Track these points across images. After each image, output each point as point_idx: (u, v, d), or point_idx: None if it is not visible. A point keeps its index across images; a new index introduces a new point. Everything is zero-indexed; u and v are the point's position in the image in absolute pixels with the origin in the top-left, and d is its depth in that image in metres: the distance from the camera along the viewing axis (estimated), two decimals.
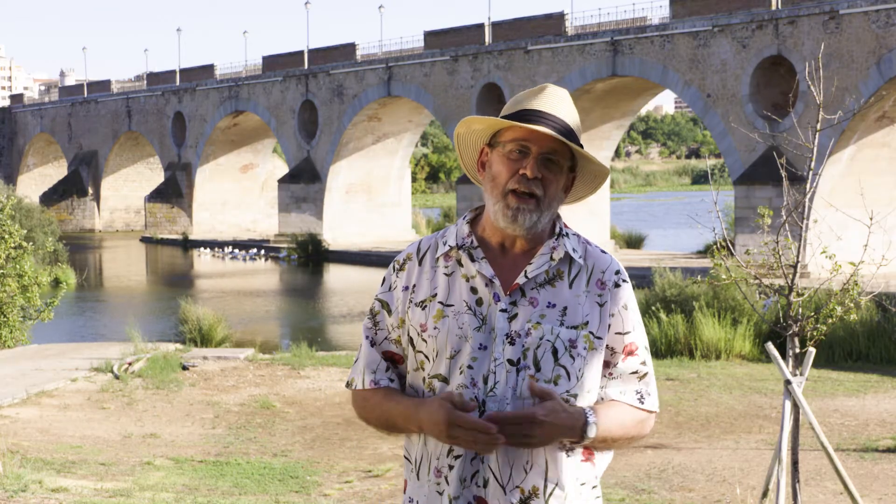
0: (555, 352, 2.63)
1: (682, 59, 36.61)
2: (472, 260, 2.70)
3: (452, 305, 2.68)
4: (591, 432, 2.61)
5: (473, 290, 2.68)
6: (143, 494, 8.27)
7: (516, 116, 2.68)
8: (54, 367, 14.47)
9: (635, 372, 2.73)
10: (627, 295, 2.72)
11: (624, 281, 2.73)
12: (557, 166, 2.68)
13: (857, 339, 16.17)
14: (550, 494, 2.62)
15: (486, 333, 2.64)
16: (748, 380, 14.18)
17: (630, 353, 2.72)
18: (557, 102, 2.70)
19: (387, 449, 10.56)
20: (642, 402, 2.72)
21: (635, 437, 2.73)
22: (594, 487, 2.71)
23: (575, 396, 2.65)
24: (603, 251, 2.76)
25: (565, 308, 2.66)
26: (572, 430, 2.59)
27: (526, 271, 2.67)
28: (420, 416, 2.62)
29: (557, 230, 2.73)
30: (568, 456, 2.65)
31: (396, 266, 2.79)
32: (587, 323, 2.66)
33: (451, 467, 2.64)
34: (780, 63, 33.72)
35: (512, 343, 2.63)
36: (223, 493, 8.52)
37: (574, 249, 2.71)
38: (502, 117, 2.70)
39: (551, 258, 2.69)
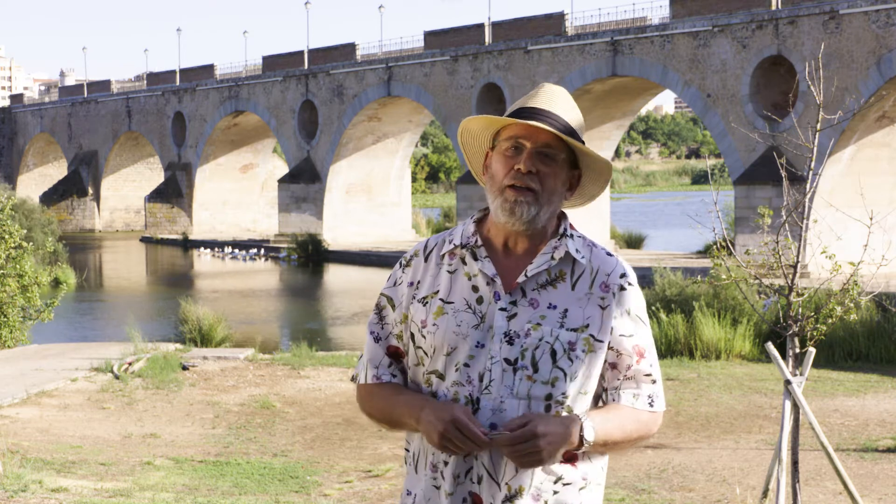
0: (553, 353, 2.63)
1: (682, 59, 36.61)
2: (476, 259, 2.73)
3: (453, 303, 2.70)
4: (590, 436, 2.61)
5: (475, 288, 2.70)
6: (143, 494, 8.27)
7: (514, 115, 2.72)
8: (54, 367, 14.47)
9: (648, 374, 2.74)
10: (632, 298, 2.72)
11: (630, 284, 2.72)
12: (553, 160, 2.70)
13: (857, 339, 16.17)
14: (536, 495, 2.64)
15: (484, 332, 2.66)
16: (748, 380, 14.19)
17: (641, 356, 2.72)
18: (553, 99, 2.73)
19: (387, 449, 10.56)
20: (652, 406, 2.74)
21: (640, 439, 2.73)
22: (581, 489, 2.69)
23: (569, 398, 2.66)
24: (609, 253, 2.74)
25: (566, 310, 2.66)
26: (571, 437, 2.60)
27: (526, 270, 2.69)
28: (424, 410, 2.64)
29: (561, 230, 2.74)
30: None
31: (403, 262, 2.83)
32: (588, 325, 2.66)
33: (445, 463, 2.66)
34: (780, 63, 33.72)
35: (510, 343, 2.64)
36: (223, 493, 8.52)
37: (578, 250, 2.71)
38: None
39: (552, 258, 2.69)
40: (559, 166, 2.71)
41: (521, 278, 2.68)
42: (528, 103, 2.72)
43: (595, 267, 2.71)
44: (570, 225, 2.77)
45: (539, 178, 2.68)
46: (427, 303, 2.73)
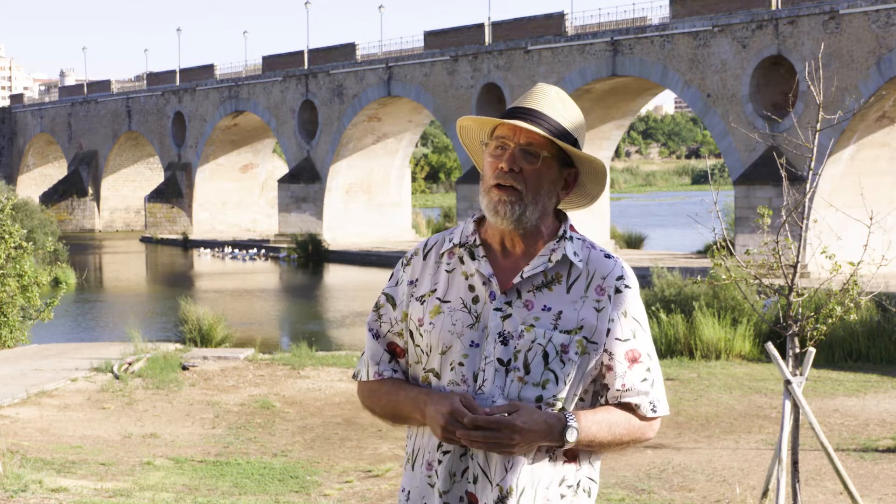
0: (545, 356, 2.63)
1: (682, 59, 36.61)
2: (473, 258, 2.73)
3: (449, 302, 2.71)
4: (571, 436, 2.60)
5: (471, 287, 2.71)
6: (143, 494, 8.27)
7: (506, 115, 2.73)
8: (54, 367, 14.47)
9: (644, 380, 2.70)
10: (629, 300, 2.69)
11: (627, 287, 2.69)
12: (536, 158, 2.69)
13: (857, 339, 16.17)
14: (522, 494, 2.62)
15: (479, 331, 2.67)
16: (748, 380, 14.19)
17: (634, 361, 2.69)
18: (543, 99, 2.73)
19: (387, 449, 10.57)
20: (655, 411, 2.72)
21: (632, 442, 2.70)
22: (580, 489, 2.69)
23: (561, 400, 2.65)
24: (608, 255, 2.73)
25: (560, 312, 2.66)
26: (551, 435, 2.59)
27: (522, 271, 2.69)
28: (427, 405, 2.64)
29: (561, 232, 2.73)
30: (550, 458, 2.65)
31: (405, 261, 2.84)
32: (581, 328, 2.65)
33: (440, 461, 2.67)
34: (780, 63, 33.72)
35: (504, 343, 2.64)
36: (223, 493, 8.52)
37: (575, 253, 2.70)
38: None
39: (549, 260, 2.69)
40: (545, 164, 2.70)
41: (516, 279, 2.68)
42: (519, 103, 2.74)
43: (592, 270, 2.70)
44: (571, 227, 2.76)
45: (523, 176, 2.68)
46: (424, 301, 2.73)
